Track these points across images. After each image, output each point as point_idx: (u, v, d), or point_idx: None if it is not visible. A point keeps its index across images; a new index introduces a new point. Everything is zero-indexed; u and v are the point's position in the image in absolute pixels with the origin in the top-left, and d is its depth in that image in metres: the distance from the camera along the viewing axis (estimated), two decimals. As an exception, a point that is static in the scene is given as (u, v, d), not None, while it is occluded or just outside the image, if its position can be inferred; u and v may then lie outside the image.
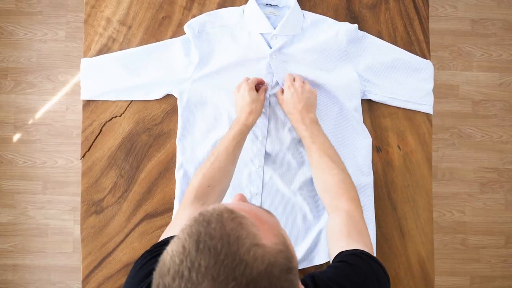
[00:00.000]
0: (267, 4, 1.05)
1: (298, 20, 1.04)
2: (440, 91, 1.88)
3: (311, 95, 0.96)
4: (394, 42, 1.11)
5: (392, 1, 1.12)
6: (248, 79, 0.99)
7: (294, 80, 0.99)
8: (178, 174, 1.04)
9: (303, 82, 0.98)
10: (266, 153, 1.04)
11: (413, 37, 1.12)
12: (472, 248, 1.88)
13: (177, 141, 1.04)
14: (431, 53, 1.86)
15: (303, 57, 1.04)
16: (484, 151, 1.90)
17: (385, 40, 1.11)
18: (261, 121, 1.04)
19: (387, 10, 1.12)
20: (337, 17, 1.10)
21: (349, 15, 1.11)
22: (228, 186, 0.91)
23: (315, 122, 0.94)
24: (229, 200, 0.97)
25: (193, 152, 1.04)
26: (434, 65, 1.12)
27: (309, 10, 1.10)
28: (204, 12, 1.09)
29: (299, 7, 1.05)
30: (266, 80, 1.03)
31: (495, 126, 1.91)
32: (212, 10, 1.09)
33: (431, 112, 1.11)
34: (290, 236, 1.03)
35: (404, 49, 1.11)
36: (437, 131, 1.89)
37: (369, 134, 1.06)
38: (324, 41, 1.04)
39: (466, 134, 1.90)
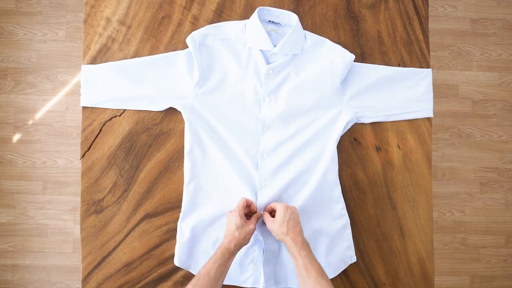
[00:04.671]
0: (269, 21, 1.05)
1: (299, 40, 1.03)
2: (439, 90, 1.88)
3: (295, 214, 0.95)
4: (394, 42, 1.11)
5: (391, 1, 1.12)
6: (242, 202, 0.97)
7: (273, 209, 0.98)
8: (189, 187, 1.02)
9: (285, 207, 0.94)
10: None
11: (413, 36, 1.12)
12: (472, 247, 1.88)
13: (186, 154, 1.03)
14: (431, 53, 1.87)
15: (297, 84, 1.03)
16: (484, 151, 1.90)
17: (384, 40, 1.11)
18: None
19: (386, 9, 1.12)
20: (337, 17, 1.10)
21: (349, 15, 1.11)
22: None
23: (307, 244, 0.92)
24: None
25: (204, 163, 1.03)
26: (433, 65, 1.12)
27: (309, 10, 1.10)
28: (204, 12, 1.09)
29: (301, 26, 1.04)
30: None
31: (495, 126, 1.91)
32: (212, 9, 1.09)
33: (431, 115, 1.11)
34: None
35: (404, 49, 1.11)
36: (436, 130, 1.89)
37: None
38: (319, 71, 1.03)
39: (466, 133, 1.90)
